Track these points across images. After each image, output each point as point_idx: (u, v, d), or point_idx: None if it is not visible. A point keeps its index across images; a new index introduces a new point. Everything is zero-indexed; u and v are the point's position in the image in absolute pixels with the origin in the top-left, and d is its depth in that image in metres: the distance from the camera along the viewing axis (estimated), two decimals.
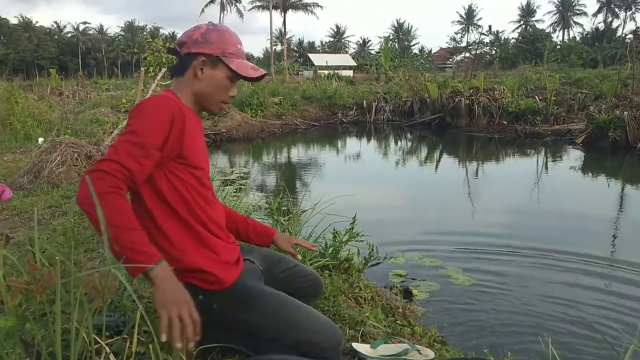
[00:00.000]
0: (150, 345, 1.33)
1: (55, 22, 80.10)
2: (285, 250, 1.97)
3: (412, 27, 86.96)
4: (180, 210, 1.49)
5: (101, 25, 79.63)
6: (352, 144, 14.22)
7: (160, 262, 1.27)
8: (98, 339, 1.21)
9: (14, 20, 70.60)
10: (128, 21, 79.11)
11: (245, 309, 1.51)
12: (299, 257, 2.05)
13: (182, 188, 1.49)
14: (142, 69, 7.56)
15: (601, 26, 63.98)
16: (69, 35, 78.18)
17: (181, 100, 1.53)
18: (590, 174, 9.28)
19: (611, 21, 65.57)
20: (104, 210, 1.21)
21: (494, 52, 56.34)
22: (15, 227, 3.43)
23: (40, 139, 7.23)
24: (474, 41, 61.12)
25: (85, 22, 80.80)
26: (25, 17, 71.67)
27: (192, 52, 1.53)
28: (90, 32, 79.04)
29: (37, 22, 75.86)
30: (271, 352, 1.53)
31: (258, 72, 1.60)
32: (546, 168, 9.83)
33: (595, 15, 69.32)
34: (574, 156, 10.79)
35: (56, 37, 75.74)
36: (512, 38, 67.60)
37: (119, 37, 78.04)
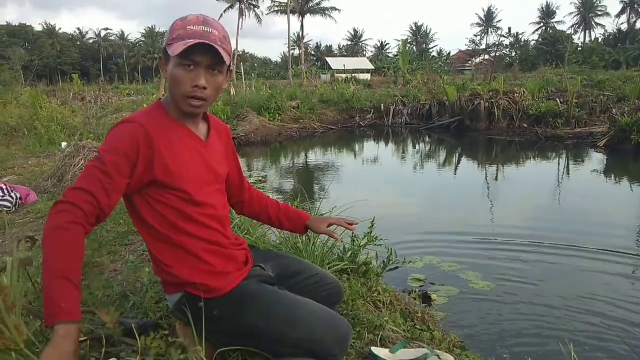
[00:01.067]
0: (169, 349, 1.36)
1: (78, 29, 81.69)
2: (321, 232, 1.86)
3: (430, 30, 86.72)
4: (166, 231, 1.47)
5: (122, 31, 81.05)
6: (370, 147, 14.18)
7: (64, 323, 1.16)
8: (128, 340, 1.23)
9: (38, 28, 72.38)
10: (149, 27, 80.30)
11: (244, 312, 1.49)
12: (337, 236, 1.89)
13: (165, 211, 1.46)
14: None
15: (624, 27, 62.87)
16: (91, 41, 79.69)
17: (168, 111, 1.49)
18: (613, 177, 9.09)
19: (635, 22, 64.39)
20: (49, 247, 1.23)
21: (514, 54, 55.78)
22: (40, 230, 3.50)
23: (64, 144, 7.37)
24: (494, 43, 60.56)
25: (107, 29, 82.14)
26: (49, 24, 73.42)
27: None
28: (112, 38, 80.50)
29: (60, 29, 77.43)
30: (279, 354, 1.50)
31: (188, 42, 1.35)
32: (568, 172, 9.68)
33: (618, 16, 68.11)
34: (596, 159, 10.59)
35: (79, 43, 77.28)
36: (533, 40, 66.97)
37: (140, 43, 79.23)
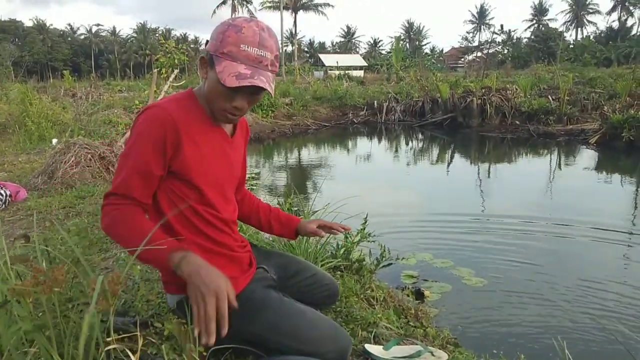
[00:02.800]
0: (162, 346, 1.34)
1: (69, 24, 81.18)
2: (308, 231, 1.82)
3: (423, 27, 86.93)
4: (180, 226, 1.46)
5: (114, 27, 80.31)
6: (363, 144, 14.19)
7: (177, 252, 1.28)
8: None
9: (28, 23, 71.70)
10: (140, 23, 79.66)
11: (249, 320, 1.49)
12: (323, 234, 1.84)
13: (181, 206, 1.45)
14: (155, 70, 7.61)
15: (615, 25, 63.35)
16: (82, 37, 79.09)
17: (199, 102, 1.45)
18: (604, 173, 9.16)
19: (626, 19, 64.90)
20: (120, 235, 1.35)
21: (506, 51, 56.01)
22: (30, 227, 3.46)
23: (54, 140, 7.32)
24: (486, 40, 60.69)
25: (98, 24, 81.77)
26: (40, 20, 72.75)
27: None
28: (103, 33, 79.92)
29: (51, 24, 76.83)
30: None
31: (237, 82, 1.29)
32: (560, 168, 9.73)
33: (609, 13, 68.59)
34: (587, 156, 10.67)
35: (69, 39, 76.64)
36: (525, 37, 67.31)
37: (131, 39, 78.71)
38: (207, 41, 1.41)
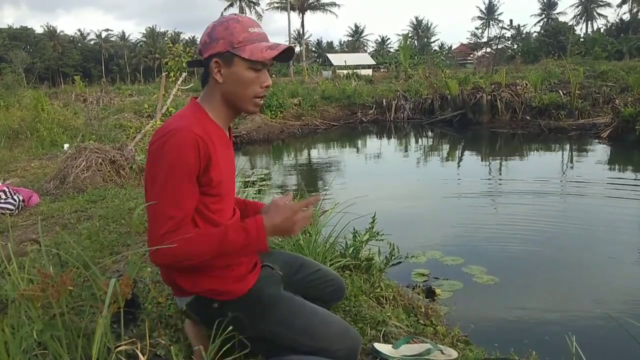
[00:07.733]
0: (171, 347, 1.36)
1: (79, 30, 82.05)
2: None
3: (431, 24, 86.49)
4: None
5: (123, 32, 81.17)
6: (372, 143, 14.16)
7: (260, 231, 1.39)
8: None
9: (39, 30, 72.51)
10: (149, 27, 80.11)
11: (260, 317, 1.50)
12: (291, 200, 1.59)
13: (197, 218, 1.45)
14: (164, 74, 7.67)
15: (626, 17, 62.55)
16: (92, 42, 79.79)
17: (208, 114, 1.46)
18: (616, 167, 9.05)
19: (637, 11, 63.92)
20: (199, 247, 1.35)
21: (515, 46, 55.59)
22: (42, 232, 3.50)
23: (66, 145, 7.39)
24: (495, 36, 60.23)
25: (107, 30, 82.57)
26: (50, 26, 73.60)
27: (207, 57, 1.42)
28: (113, 39, 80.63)
29: (61, 31, 77.56)
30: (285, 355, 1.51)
31: (276, 50, 1.40)
32: (572, 163, 9.64)
33: (619, 6, 67.66)
34: (600, 150, 10.55)
35: (80, 44, 77.37)
36: (534, 32, 66.75)
37: (141, 43, 79.25)
38: (199, 51, 1.45)
